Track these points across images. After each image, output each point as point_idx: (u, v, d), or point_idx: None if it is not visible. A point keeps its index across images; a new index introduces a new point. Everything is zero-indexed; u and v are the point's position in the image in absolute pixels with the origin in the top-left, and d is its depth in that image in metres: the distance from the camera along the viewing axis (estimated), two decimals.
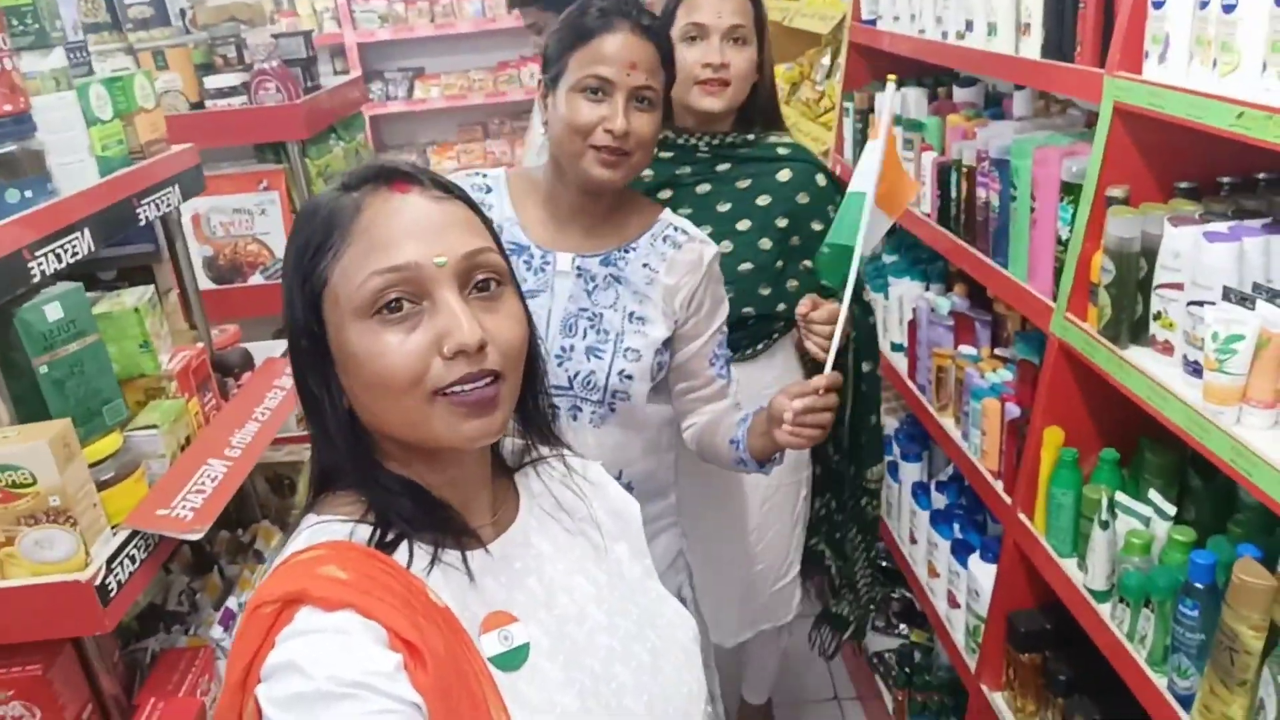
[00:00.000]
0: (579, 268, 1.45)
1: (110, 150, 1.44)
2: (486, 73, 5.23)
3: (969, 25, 1.92)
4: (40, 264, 1.21)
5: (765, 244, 1.79)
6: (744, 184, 1.80)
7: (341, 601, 0.74)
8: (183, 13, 2.19)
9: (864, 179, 1.43)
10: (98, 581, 1.17)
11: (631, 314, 1.46)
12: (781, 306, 1.84)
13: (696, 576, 1.76)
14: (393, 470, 0.85)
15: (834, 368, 1.39)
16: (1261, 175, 1.45)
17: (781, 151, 1.82)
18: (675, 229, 1.50)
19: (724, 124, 1.81)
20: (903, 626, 2.69)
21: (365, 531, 0.81)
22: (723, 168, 1.80)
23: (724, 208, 1.79)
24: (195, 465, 1.41)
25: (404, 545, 0.82)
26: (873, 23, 2.59)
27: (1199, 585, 1.27)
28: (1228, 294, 1.24)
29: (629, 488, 1.24)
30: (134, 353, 1.43)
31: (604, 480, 1.04)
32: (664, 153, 1.80)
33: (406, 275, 0.78)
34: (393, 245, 0.79)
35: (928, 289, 2.36)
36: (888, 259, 2.58)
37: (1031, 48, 1.69)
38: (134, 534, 1.26)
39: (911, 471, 2.34)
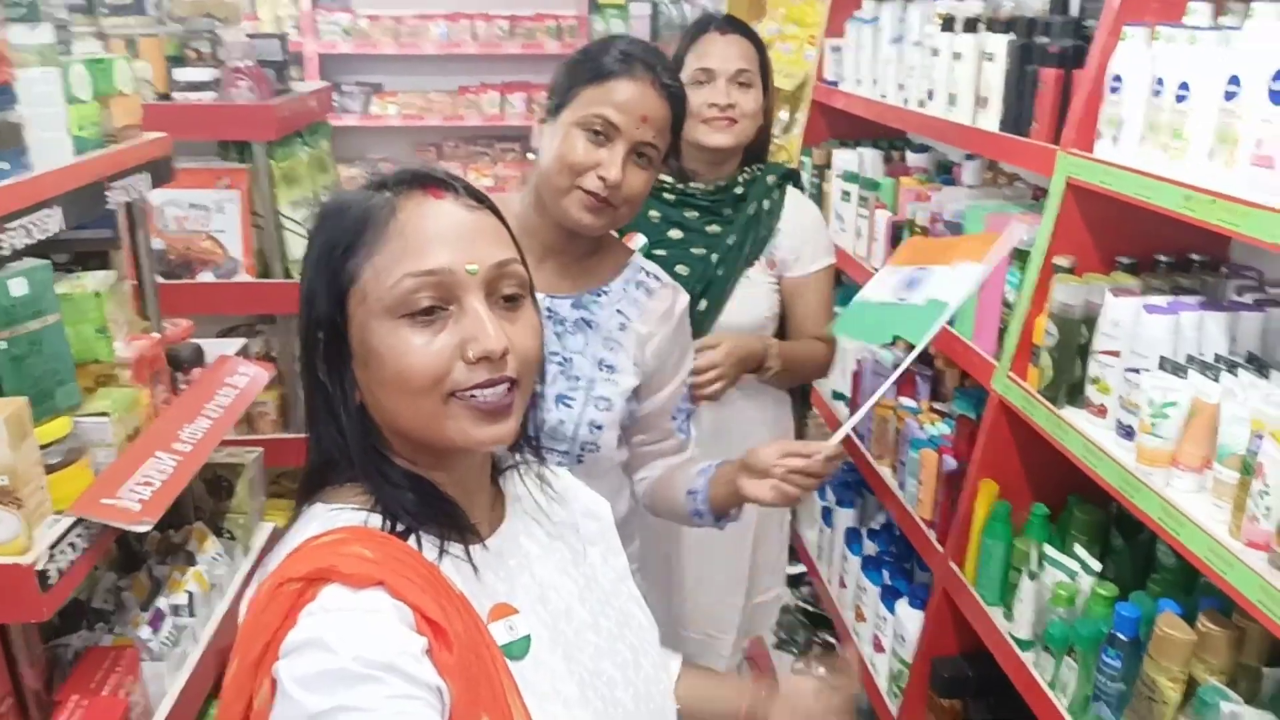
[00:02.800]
0: (549, 309, 1.38)
1: (86, 131, 1.42)
2: (446, 95, 5.24)
3: (930, 94, 2.02)
4: (10, 237, 1.19)
5: None
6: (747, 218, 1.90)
7: (371, 579, 0.75)
8: (159, 3, 2.17)
9: (953, 291, 1.36)
10: (39, 567, 1.14)
11: (601, 361, 1.40)
12: None
13: (691, 601, 1.79)
14: (399, 464, 0.86)
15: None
16: (1195, 256, 1.56)
17: (770, 180, 1.92)
18: (647, 274, 1.47)
19: (730, 163, 1.90)
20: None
21: (378, 521, 0.82)
22: (727, 211, 1.89)
23: (731, 240, 1.87)
24: (143, 457, 1.38)
25: (411, 537, 0.83)
26: (835, 84, 2.70)
27: (1123, 637, 1.33)
28: (1163, 364, 1.33)
29: None
30: (90, 337, 1.39)
31: (573, 485, 1.07)
32: (667, 194, 1.87)
33: (439, 279, 0.80)
34: (427, 249, 0.81)
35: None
36: (836, 308, 2.65)
37: (989, 120, 1.79)
38: (77, 522, 1.23)
39: (845, 518, 2.41)
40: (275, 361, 2.36)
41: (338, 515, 0.83)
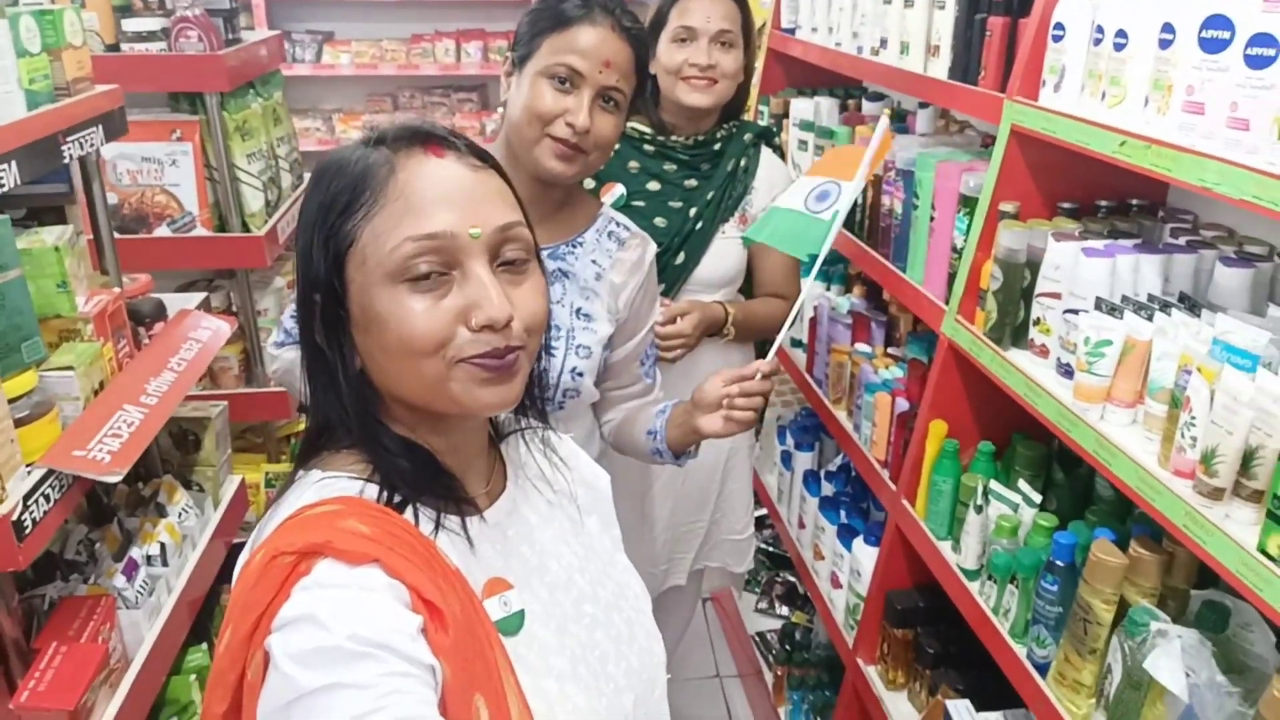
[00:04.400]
0: None
1: (37, 85, 1.40)
2: (400, 44, 5.16)
3: (883, 43, 2.05)
4: None
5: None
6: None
7: (366, 556, 0.74)
8: None
9: (844, 203, 1.51)
10: (14, 517, 1.16)
11: (579, 310, 1.44)
12: None
13: (660, 535, 1.86)
14: (397, 432, 0.85)
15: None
16: (1134, 201, 1.62)
17: (747, 138, 1.97)
18: (617, 224, 1.49)
19: (708, 120, 1.93)
20: (784, 609, 2.83)
21: (373, 491, 0.81)
22: (705, 166, 1.93)
23: (709, 196, 1.91)
24: (110, 410, 1.39)
25: (409, 509, 0.82)
26: (791, 31, 2.71)
27: (1059, 563, 1.41)
28: (1099, 304, 1.39)
29: None
30: (51, 293, 1.40)
31: (575, 453, 1.06)
32: (646, 146, 1.90)
33: (440, 244, 0.78)
34: (428, 212, 0.78)
35: (828, 289, 2.49)
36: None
37: (939, 68, 1.83)
38: (49, 474, 1.25)
39: (803, 460, 2.47)
40: (236, 315, 2.36)
41: (333, 483, 0.81)
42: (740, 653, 2.86)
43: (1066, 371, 1.44)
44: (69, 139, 1.45)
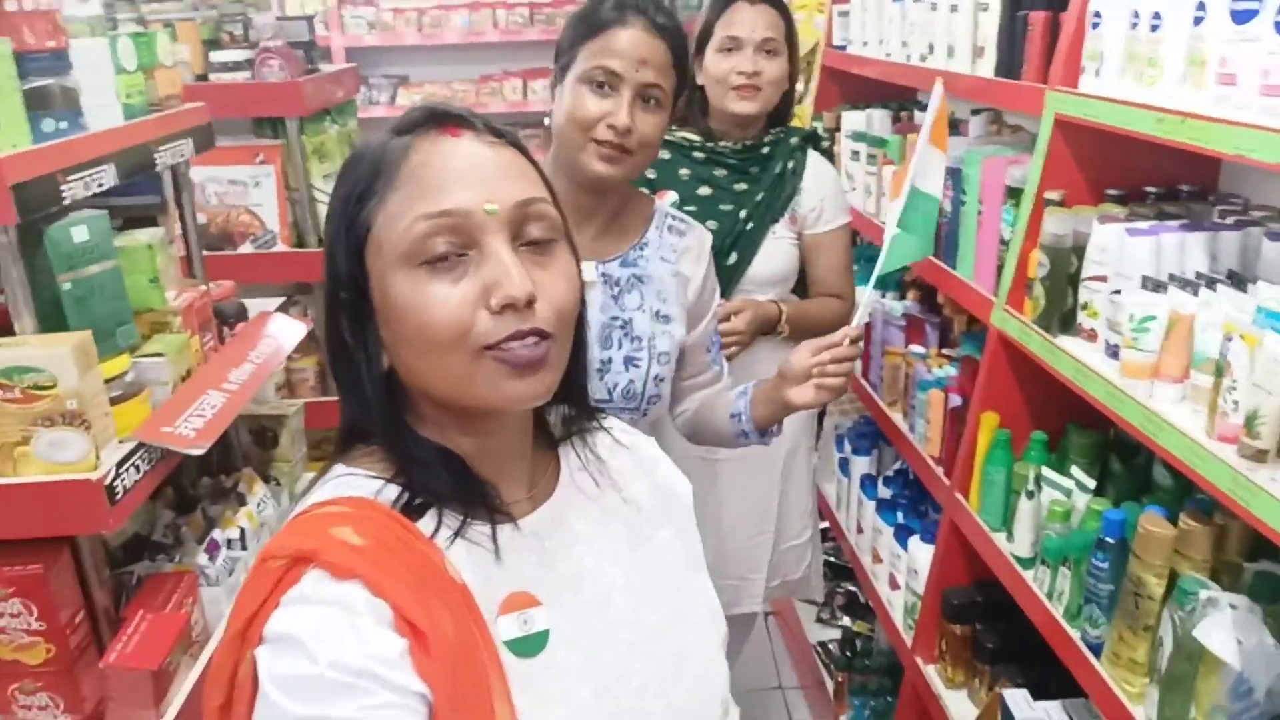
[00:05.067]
0: (603, 274, 1.41)
1: (133, 99, 1.54)
2: (469, 84, 5.36)
3: (931, 48, 2.10)
4: (71, 189, 1.31)
5: None
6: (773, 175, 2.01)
7: (351, 571, 0.70)
8: None
9: (930, 180, 1.50)
10: (107, 482, 1.26)
11: (657, 313, 1.44)
12: None
13: (724, 546, 1.85)
14: (425, 435, 0.81)
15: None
16: (1184, 187, 1.62)
17: (793, 142, 2.03)
18: (673, 217, 1.51)
19: (755, 126, 2.00)
20: (845, 619, 2.82)
21: (392, 492, 0.78)
22: (754, 170, 1.99)
23: (760, 197, 1.97)
24: (196, 394, 1.50)
25: (431, 512, 0.78)
26: (843, 48, 2.77)
27: (1109, 540, 1.41)
28: (1145, 282, 1.40)
29: None
30: (144, 287, 1.52)
31: (656, 456, 0.99)
32: (696, 153, 1.98)
33: (455, 222, 0.74)
34: (441, 189, 0.74)
35: (883, 295, 2.51)
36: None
37: (986, 68, 1.86)
38: (139, 447, 1.35)
39: (861, 465, 2.48)
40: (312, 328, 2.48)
41: (349, 482, 0.78)
42: (802, 663, 2.85)
43: (1114, 352, 1.45)
44: (161, 148, 1.58)
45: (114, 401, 1.36)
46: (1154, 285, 1.38)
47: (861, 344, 1.44)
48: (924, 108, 2.52)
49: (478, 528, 0.79)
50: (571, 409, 0.92)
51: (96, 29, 1.47)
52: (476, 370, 0.74)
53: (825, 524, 2.81)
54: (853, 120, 2.58)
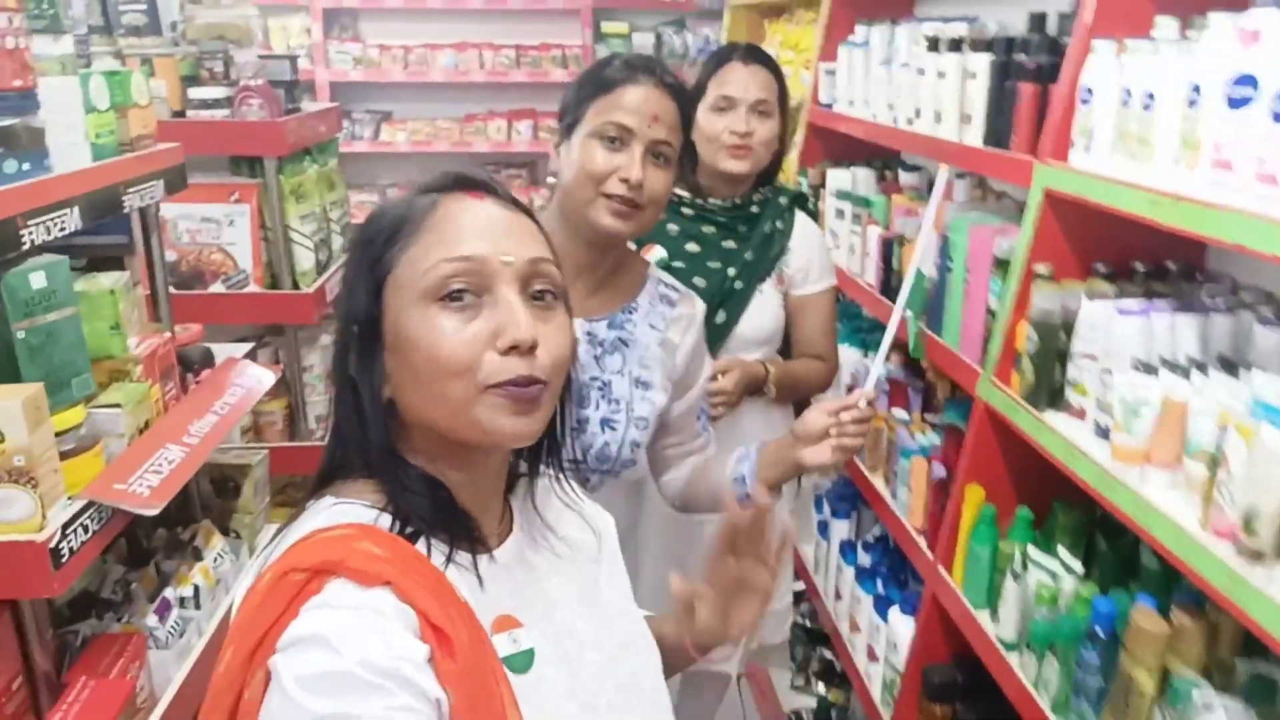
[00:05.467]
0: (588, 333, 1.41)
1: (103, 139, 1.49)
2: (453, 123, 5.35)
3: (917, 112, 2.09)
4: (31, 233, 1.25)
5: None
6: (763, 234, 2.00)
7: (380, 577, 0.74)
8: (174, 25, 2.25)
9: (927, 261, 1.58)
10: (52, 544, 1.19)
11: (638, 379, 1.43)
12: None
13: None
14: (416, 464, 0.86)
15: None
16: (1171, 264, 1.61)
17: (782, 202, 2.02)
18: (665, 285, 1.50)
19: (744, 184, 1.99)
20: (820, 686, 2.75)
21: (387, 520, 0.82)
22: (742, 228, 1.97)
23: (748, 256, 1.95)
24: (153, 448, 1.43)
25: (421, 540, 0.82)
26: (829, 106, 2.77)
27: (1100, 632, 1.36)
28: (1136, 364, 1.37)
29: None
30: (104, 334, 1.45)
31: (579, 498, 1.05)
32: (685, 209, 1.96)
33: (472, 267, 0.82)
34: (462, 239, 0.83)
35: (865, 355, 2.49)
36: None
37: (973, 135, 1.85)
38: (88, 505, 1.28)
39: (840, 529, 2.44)
40: (283, 370, 2.42)
41: (346, 509, 0.82)
42: None
43: (1104, 433, 1.42)
44: (130, 190, 1.53)
45: (65, 455, 1.29)
46: (1145, 368, 1.36)
47: (876, 407, 1.42)
48: (908, 168, 2.54)
49: (462, 556, 0.84)
50: (548, 458, 0.97)
51: (68, 67, 1.42)
52: (478, 402, 0.81)
53: (800, 585, 2.76)
54: (838, 178, 2.57)
